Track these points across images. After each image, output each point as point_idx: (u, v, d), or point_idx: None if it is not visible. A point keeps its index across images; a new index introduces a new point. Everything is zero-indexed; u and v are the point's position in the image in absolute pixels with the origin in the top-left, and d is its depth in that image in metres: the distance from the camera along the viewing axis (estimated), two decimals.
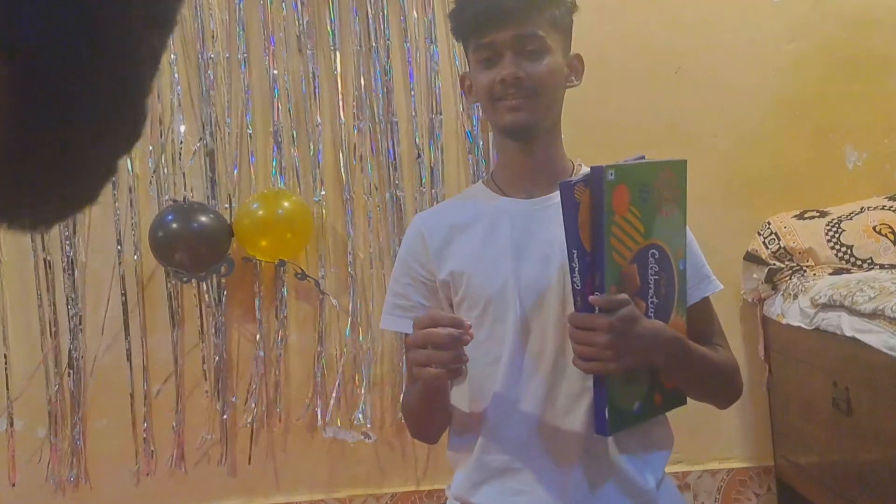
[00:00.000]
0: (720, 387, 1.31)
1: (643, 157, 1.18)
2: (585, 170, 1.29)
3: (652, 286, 1.17)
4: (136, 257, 2.41)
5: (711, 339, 1.32)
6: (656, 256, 1.17)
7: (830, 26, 2.48)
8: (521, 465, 1.23)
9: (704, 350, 1.24)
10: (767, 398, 2.45)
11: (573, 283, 1.11)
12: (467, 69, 1.33)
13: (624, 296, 1.10)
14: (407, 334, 1.23)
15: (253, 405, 2.43)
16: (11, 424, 2.39)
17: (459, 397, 1.30)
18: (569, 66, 1.29)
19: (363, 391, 2.44)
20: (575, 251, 1.10)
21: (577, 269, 1.10)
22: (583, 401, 1.20)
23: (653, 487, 1.24)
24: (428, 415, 1.30)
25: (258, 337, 2.43)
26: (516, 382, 1.23)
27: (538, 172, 1.28)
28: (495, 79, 1.22)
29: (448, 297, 1.30)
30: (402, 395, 1.37)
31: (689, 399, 1.28)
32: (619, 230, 1.10)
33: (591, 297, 1.09)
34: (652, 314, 1.17)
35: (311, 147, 2.43)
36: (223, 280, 2.39)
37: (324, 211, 2.44)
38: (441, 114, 2.45)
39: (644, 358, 1.14)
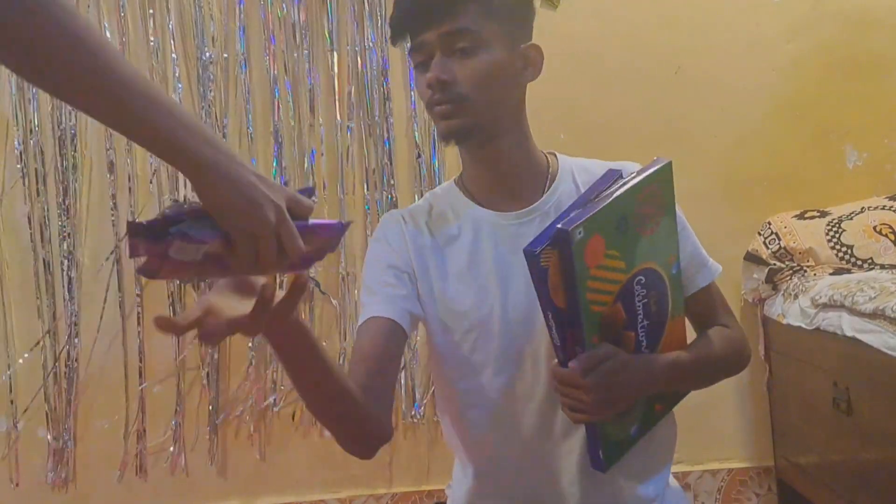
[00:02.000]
0: (726, 370, 1.25)
1: (659, 161, 1.09)
2: (563, 163, 1.22)
3: (641, 311, 1.09)
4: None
5: (717, 321, 1.25)
6: (643, 282, 1.09)
7: (830, 26, 2.48)
8: (519, 492, 1.20)
9: (704, 350, 1.19)
10: (767, 398, 2.45)
11: (552, 339, 1.04)
12: None
13: (604, 348, 1.03)
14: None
15: (252, 405, 2.43)
16: (15, 426, 2.39)
17: (453, 424, 1.25)
18: (522, 57, 1.16)
19: None
20: (550, 313, 1.02)
21: (553, 327, 1.03)
22: (579, 427, 1.15)
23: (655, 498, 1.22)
24: (315, 400, 1.05)
25: (257, 337, 2.42)
26: (510, 411, 1.18)
27: (500, 180, 1.20)
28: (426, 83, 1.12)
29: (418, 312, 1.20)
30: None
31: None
32: (595, 283, 1.02)
33: (570, 364, 1.02)
34: (643, 339, 1.11)
35: (311, 147, 2.44)
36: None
37: (325, 211, 2.44)
38: None
39: (637, 397, 1.09)
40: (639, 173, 1.08)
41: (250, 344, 2.43)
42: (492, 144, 1.16)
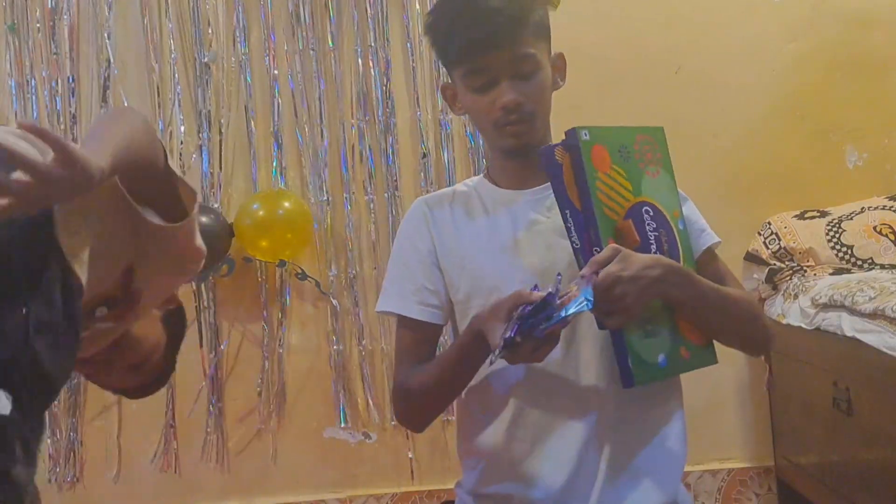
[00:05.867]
0: (743, 323, 1.26)
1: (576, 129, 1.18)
2: None
3: (653, 242, 1.18)
4: None
5: (723, 285, 1.29)
6: (651, 213, 1.19)
7: (830, 26, 2.48)
8: (539, 458, 1.23)
9: (714, 284, 1.22)
10: (768, 398, 2.45)
11: (572, 243, 1.14)
12: (449, 79, 1.31)
13: (612, 245, 1.10)
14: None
15: (253, 405, 2.43)
16: None
17: (476, 389, 1.29)
18: (554, 68, 1.29)
19: (364, 391, 2.44)
20: (567, 211, 1.14)
21: (572, 228, 1.14)
22: (593, 392, 1.21)
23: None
24: (458, 384, 1.25)
25: (258, 337, 2.43)
26: (530, 374, 1.22)
27: (533, 171, 1.29)
28: (495, 105, 1.20)
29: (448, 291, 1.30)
30: (403, 380, 1.30)
31: (713, 366, 1.26)
32: (604, 186, 1.14)
33: (582, 271, 1.09)
34: None
35: (312, 147, 2.44)
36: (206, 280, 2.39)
37: (326, 211, 2.44)
38: (447, 113, 2.45)
39: (651, 292, 1.12)
40: None
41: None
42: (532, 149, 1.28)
